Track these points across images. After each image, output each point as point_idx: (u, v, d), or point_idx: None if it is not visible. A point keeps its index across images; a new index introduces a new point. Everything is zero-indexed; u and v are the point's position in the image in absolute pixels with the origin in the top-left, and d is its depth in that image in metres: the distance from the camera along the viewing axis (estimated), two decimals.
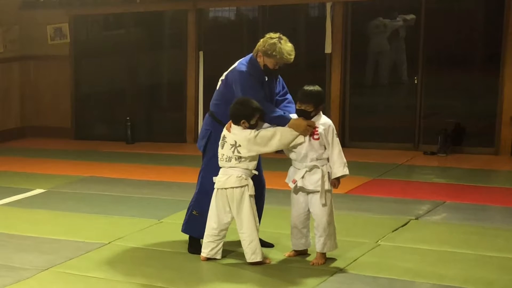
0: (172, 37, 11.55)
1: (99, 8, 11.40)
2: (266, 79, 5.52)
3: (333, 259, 5.47)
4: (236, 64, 5.64)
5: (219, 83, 5.72)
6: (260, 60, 5.49)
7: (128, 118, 11.17)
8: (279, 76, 5.69)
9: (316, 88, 5.42)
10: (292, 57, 5.47)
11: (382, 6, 10.30)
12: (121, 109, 11.54)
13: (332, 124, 5.40)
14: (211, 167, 5.64)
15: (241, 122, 5.36)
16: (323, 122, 5.38)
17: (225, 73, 5.71)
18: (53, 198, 7.89)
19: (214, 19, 11.46)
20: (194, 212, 5.75)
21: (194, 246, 5.77)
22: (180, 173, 8.89)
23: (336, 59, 9.97)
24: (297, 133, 5.31)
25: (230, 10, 11.16)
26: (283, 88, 5.73)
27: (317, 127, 5.33)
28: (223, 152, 5.43)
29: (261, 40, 5.50)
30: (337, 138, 5.39)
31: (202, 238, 5.66)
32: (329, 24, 9.91)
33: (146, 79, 11.72)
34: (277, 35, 5.47)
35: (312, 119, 5.37)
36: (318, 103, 5.36)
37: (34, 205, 7.62)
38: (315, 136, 5.34)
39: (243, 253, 5.49)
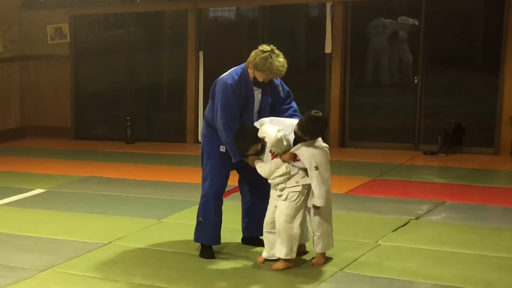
0: (172, 37, 11.54)
1: (99, 8, 11.39)
2: (255, 91, 5.45)
3: (333, 259, 5.46)
4: (227, 72, 5.53)
5: (212, 86, 5.63)
6: (251, 71, 5.40)
7: (128, 118, 11.18)
8: (283, 84, 5.61)
9: (320, 120, 5.20)
10: (283, 71, 5.34)
11: (382, 6, 10.30)
12: (121, 109, 11.54)
13: (314, 155, 5.17)
14: (207, 171, 5.62)
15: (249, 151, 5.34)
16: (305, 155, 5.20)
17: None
18: (53, 198, 7.89)
19: (214, 19, 11.45)
20: (200, 219, 5.66)
21: (206, 251, 5.67)
22: (180, 173, 8.88)
23: (336, 59, 9.96)
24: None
25: (230, 10, 11.15)
26: (289, 96, 5.63)
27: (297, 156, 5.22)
28: None
29: (253, 51, 5.39)
30: (317, 171, 5.15)
31: (212, 244, 5.65)
32: (329, 24, 9.90)
33: (146, 79, 11.72)
34: (269, 48, 5.35)
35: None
36: (316, 135, 5.22)
37: (34, 205, 7.62)
38: (298, 158, 5.22)
39: (243, 254, 5.52)
